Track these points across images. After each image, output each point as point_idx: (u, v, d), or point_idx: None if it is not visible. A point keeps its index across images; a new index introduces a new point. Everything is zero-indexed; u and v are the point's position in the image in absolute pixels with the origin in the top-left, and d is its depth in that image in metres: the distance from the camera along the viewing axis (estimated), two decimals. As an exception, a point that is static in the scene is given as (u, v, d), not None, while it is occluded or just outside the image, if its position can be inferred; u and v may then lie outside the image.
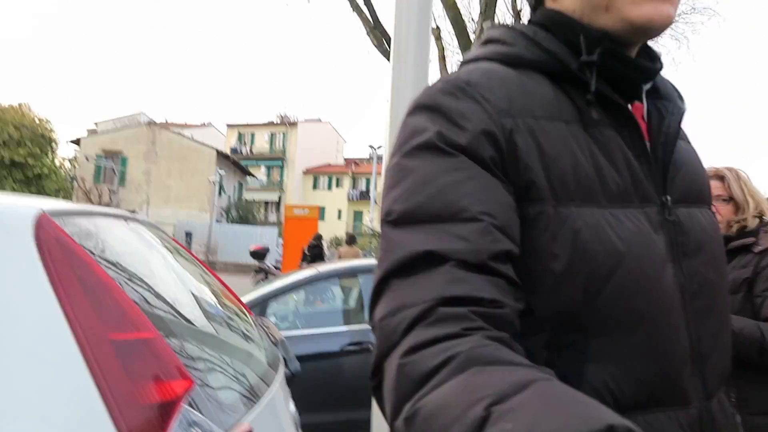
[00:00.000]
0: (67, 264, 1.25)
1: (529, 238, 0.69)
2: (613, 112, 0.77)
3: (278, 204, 50.16)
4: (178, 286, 1.75)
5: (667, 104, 0.82)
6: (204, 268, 2.16)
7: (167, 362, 1.24)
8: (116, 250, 1.56)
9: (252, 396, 1.53)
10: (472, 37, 8.64)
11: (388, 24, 8.83)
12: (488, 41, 0.84)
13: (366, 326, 4.74)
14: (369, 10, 8.82)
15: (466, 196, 0.67)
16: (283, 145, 52.34)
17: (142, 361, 1.23)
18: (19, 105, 24.79)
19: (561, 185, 0.71)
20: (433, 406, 0.53)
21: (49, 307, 1.19)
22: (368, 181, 50.40)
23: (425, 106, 0.73)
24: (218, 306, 1.90)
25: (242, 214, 38.69)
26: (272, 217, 48.76)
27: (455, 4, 9.02)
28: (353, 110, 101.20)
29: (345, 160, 56.79)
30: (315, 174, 53.30)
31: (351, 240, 11.01)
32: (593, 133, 0.75)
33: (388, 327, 0.62)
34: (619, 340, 0.70)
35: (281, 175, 52.05)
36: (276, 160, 52.04)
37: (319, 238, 11.58)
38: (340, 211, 51.05)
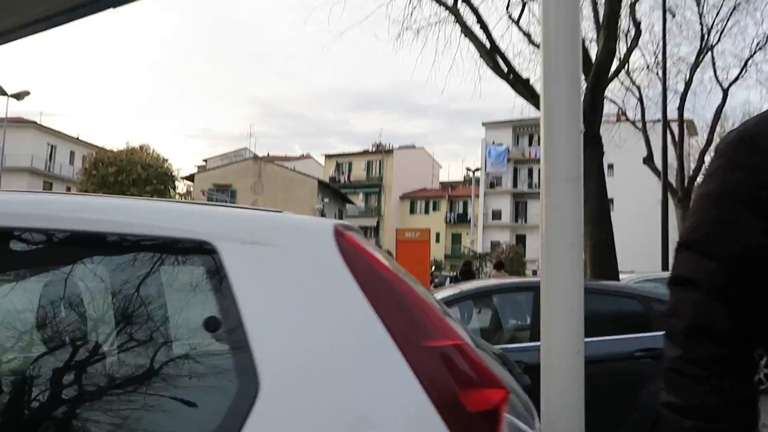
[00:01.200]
0: (370, 274, 1.28)
1: None
2: None
3: (377, 229, 50.86)
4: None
5: None
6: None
7: (481, 370, 1.24)
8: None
9: (527, 408, 1.52)
10: (593, 55, 8.50)
11: (505, 45, 8.83)
12: None
13: (508, 345, 4.68)
14: (486, 34, 8.88)
15: (723, 239, 0.92)
16: (380, 172, 53.22)
17: (459, 369, 1.22)
18: (140, 147, 26.92)
19: None
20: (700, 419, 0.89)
21: (367, 317, 1.21)
22: (465, 204, 50.06)
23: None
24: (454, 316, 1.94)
25: (343, 240, 39.45)
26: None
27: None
28: (446, 135, 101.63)
29: (440, 184, 56.85)
30: (412, 198, 53.67)
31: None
32: None
33: (669, 322, 0.96)
34: None
35: (378, 201, 52.84)
36: (373, 187, 52.95)
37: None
38: (438, 235, 50.96)
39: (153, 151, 26.69)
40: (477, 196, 44.30)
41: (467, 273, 11.51)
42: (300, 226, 1.39)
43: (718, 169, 0.96)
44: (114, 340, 1.30)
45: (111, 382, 1.23)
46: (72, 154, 42.98)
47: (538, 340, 3.15)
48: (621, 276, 10.08)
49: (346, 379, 1.19)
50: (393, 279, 1.33)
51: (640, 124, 16.54)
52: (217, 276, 1.25)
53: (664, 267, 14.80)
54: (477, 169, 43.17)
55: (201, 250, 1.27)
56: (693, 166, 18.14)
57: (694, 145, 20.11)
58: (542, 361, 3.02)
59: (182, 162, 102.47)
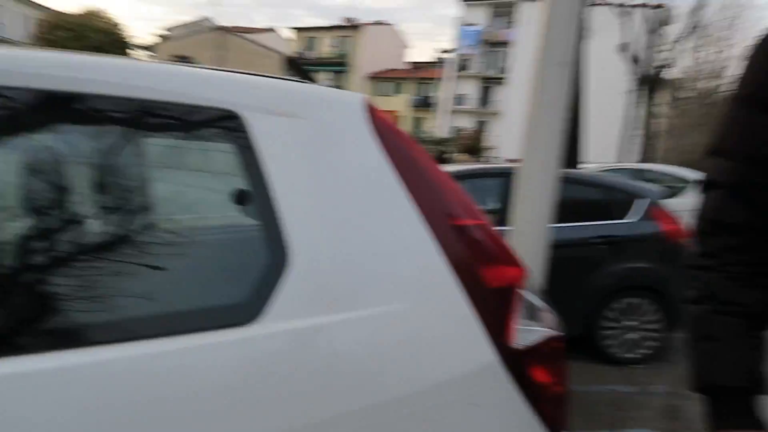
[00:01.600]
0: (399, 150, 1.28)
1: None
2: None
3: (342, 110, 49.86)
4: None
5: None
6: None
7: (502, 249, 1.28)
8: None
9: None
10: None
11: None
12: None
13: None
14: None
15: (736, 138, 0.96)
16: (348, 49, 51.36)
17: (483, 247, 1.26)
18: (96, 11, 25.05)
19: None
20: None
21: (396, 192, 1.23)
22: (432, 87, 49.13)
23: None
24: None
25: (309, 120, 38.69)
26: (337, 124, 48.65)
27: None
28: (417, 12, 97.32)
29: (408, 64, 55.33)
30: (377, 79, 52.35)
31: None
32: None
33: (693, 225, 1.00)
34: None
35: (344, 81, 51.43)
36: (340, 66, 51.29)
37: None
38: (401, 118, 50.39)
39: (110, 16, 24.93)
40: (446, 78, 43.35)
41: (440, 160, 11.75)
42: (328, 97, 1.33)
43: (741, 74, 0.98)
44: (133, 212, 1.23)
45: (136, 254, 1.17)
46: (25, 17, 39.92)
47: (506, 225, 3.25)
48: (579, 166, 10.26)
49: (374, 252, 1.21)
50: (421, 157, 1.32)
51: (615, 9, 16.12)
52: (244, 147, 1.20)
53: (620, 158, 15.03)
54: (449, 50, 41.89)
55: (225, 119, 1.20)
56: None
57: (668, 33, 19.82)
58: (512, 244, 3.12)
59: (138, 30, 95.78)
